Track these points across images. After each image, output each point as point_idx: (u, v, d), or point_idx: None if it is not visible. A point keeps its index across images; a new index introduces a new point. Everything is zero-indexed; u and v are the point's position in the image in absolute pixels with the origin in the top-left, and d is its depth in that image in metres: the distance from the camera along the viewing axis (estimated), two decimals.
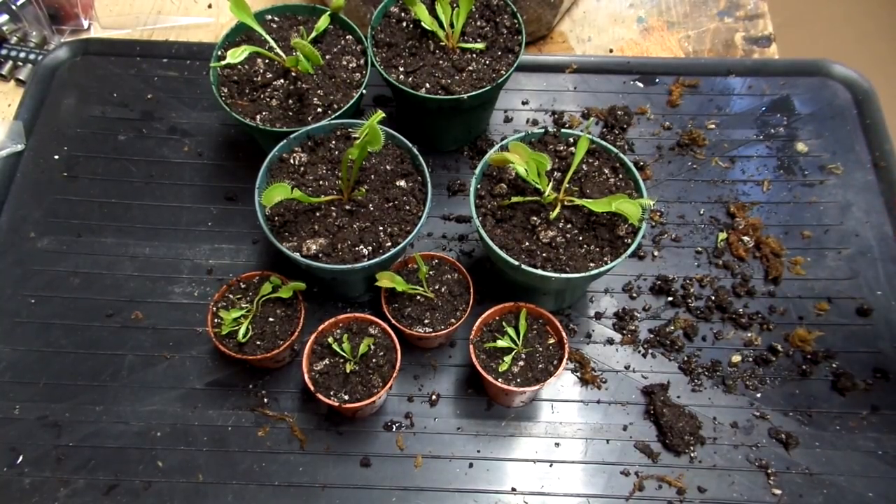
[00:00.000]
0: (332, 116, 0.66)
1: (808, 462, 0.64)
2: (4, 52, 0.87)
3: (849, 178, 0.78)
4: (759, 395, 0.67)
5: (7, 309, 0.70)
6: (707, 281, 0.72)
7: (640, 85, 0.85)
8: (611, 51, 0.90)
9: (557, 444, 0.65)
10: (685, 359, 0.68)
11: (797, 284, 0.72)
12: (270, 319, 0.63)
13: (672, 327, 0.70)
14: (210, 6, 0.93)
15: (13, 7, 0.87)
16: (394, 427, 0.65)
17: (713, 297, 0.71)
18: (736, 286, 0.72)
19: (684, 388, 0.67)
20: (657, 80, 0.85)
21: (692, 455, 0.64)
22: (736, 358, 0.68)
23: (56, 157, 0.79)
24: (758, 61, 0.87)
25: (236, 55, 0.64)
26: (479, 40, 0.71)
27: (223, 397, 0.66)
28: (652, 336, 0.70)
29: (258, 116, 0.67)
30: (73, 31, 0.91)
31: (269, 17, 0.73)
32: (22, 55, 0.87)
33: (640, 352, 0.69)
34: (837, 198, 0.77)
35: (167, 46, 0.86)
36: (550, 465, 0.64)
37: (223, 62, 0.65)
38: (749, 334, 0.70)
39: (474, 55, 0.70)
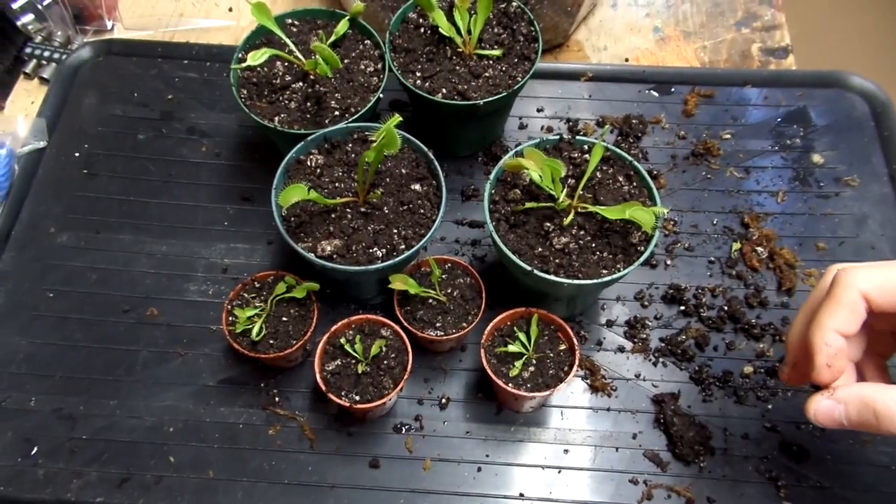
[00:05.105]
0: (350, 119, 0.67)
1: (819, 475, 0.63)
2: (29, 50, 0.89)
3: (865, 190, 0.78)
4: (770, 407, 0.66)
5: (26, 302, 0.71)
6: (720, 291, 0.72)
7: (656, 94, 0.85)
8: (626, 60, 0.90)
9: (566, 451, 0.65)
10: (696, 368, 0.68)
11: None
12: (284, 319, 0.64)
13: (683, 336, 0.70)
14: (231, 9, 0.95)
15: (39, 7, 0.89)
16: (403, 429, 0.65)
17: (726, 308, 0.71)
18: (749, 297, 0.72)
19: (695, 397, 0.67)
20: (672, 90, 0.85)
21: (702, 465, 0.64)
22: (748, 369, 0.68)
23: (77, 154, 0.80)
24: (774, 72, 0.87)
25: (256, 58, 0.65)
26: (495, 47, 0.71)
27: (235, 395, 0.67)
28: (663, 345, 0.69)
29: (276, 118, 0.68)
30: (96, 31, 0.92)
31: (290, 20, 0.74)
32: (46, 54, 0.89)
33: (650, 360, 0.69)
34: (853, 210, 0.77)
35: (188, 48, 0.88)
36: (559, 472, 0.64)
37: (243, 64, 0.66)
38: (761, 345, 0.69)
39: (491, 62, 0.71)
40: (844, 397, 0.47)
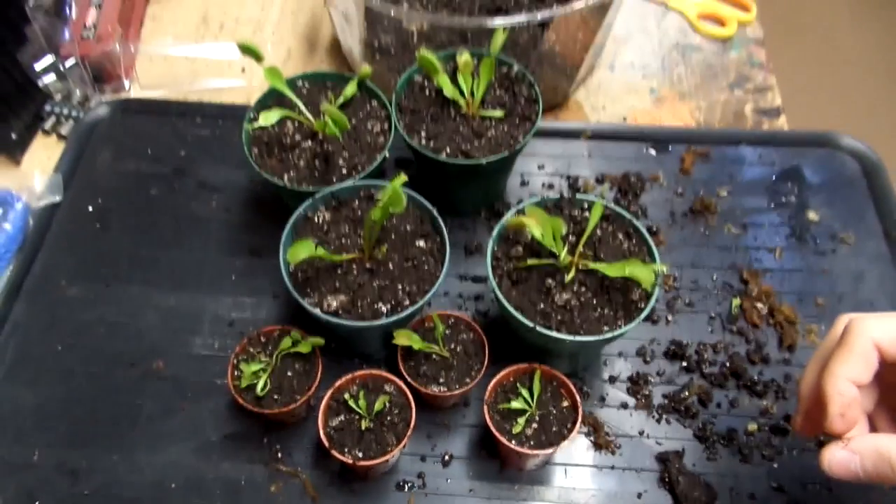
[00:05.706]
0: (357, 177, 0.69)
1: None
2: (48, 108, 0.92)
3: (861, 247, 0.79)
4: (776, 466, 0.66)
5: (33, 354, 0.72)
6: (721, 347, 0.72)
7: (653, 152, 0.87)
8: (624, 119, 0.93)
9: None
10: (700, 426, 0.68)
11: (812, 353, 0.72)
12: (289, 374, 0.64)
13: (686, 393, 0.70)
14: (243, 70, 0.99)
15: (61, 68, 0.93)
16: (406, 486, 0.65)
17: (727, 364, 0.71)
18: (750, 353, 0.72)
19: (699, 455, 0.67)
20: (670, 148, 0.87)
21: None
22: (752, 426, 0.68)
23: (90, 208, 0.82)
24: (767, 132, 0.90)
25: (269, 118, 0.68)
26: (498, 108, 0.74)
27: (238, 450, 0.66)
28: (666, 401, 0.69)
29: (286, 176, 0.70)
30: (114, 90, 0.96)
31: (300, 82, 0.77)
32: (65, 111, 0.92)
33: (654, 417, 0.69)
34: (850, 266, 0.78)
35: (201, 106, 0.91)
36: None
37: (256, 124, 0.69)
38: (765, 402, 0.69)
39: (493, 122, 0.73)
40: (860, 448, 0.46)
